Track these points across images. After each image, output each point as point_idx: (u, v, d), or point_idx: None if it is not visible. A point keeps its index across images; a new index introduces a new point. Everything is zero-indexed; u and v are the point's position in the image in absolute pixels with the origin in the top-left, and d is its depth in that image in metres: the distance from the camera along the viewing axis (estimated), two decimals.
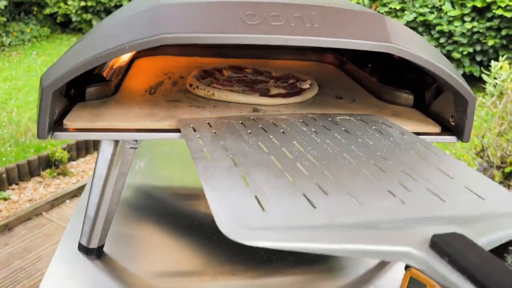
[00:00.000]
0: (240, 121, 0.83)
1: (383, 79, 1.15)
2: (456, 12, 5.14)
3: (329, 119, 0.88)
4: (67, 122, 0.80)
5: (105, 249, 0.99)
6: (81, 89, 0.92)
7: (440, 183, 0.61)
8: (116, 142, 0.85)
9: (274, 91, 1.05)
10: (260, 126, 0.81)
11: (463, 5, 5.17)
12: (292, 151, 0.69)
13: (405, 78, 1.12)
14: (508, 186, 2.38)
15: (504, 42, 5.02)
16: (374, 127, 0.83)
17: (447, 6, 5.20)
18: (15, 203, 3.09)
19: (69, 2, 7.33)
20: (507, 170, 2.35)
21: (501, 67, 2.38)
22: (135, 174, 1.44)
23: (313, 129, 0.81)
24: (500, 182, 2.42)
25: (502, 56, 2.53)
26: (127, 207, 1.24)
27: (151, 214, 1.23)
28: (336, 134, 0.78)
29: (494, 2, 4.95)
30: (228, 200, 0.51)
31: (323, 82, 1.19)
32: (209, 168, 0.59)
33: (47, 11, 7.57)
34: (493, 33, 5.05)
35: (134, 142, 0.86)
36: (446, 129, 0.94)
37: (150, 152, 1.60)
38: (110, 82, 0.98)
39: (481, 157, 2.52)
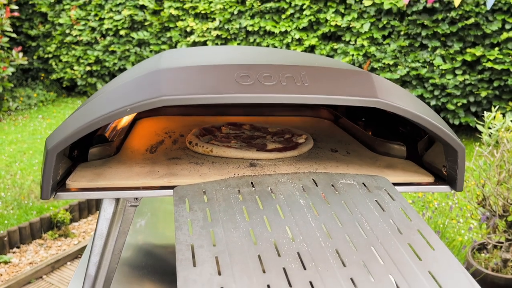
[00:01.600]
0: (237, 189, 0.83)
1: (376, 132, 1.19)
2: (447, 66, 5.32)
3: (331, 184, 0.87)
4: (70, 182, 0.83)
5: None
6: (84, 150, 0.95)
7: None
8: (117, 200, 0.88)
9: (270, 146, 1.08)
10: (257, 196, 0.81)
11: (453, 59, 5.35)
12: (282, 243, 0.69)
13: (398, 130, 1.16)
14: None
15: (497, 92, 5.15)
16: (375, 199, 0.82)
17: (438, 61, 5.39)
18: (16, 266, 3.04)
19: (75, 67, 7.62)
20: (510, 218, 2.34)
21: (494, 117, 2.44)
22: (136, 233, 1.45)
23: (311, 202, 0.80)
24: (504, 231, 2.39)
25: (495, 106, 2.59)
26: (128, 267, 1.23)
27: (153, 274, 1.22)
28: (333, 213, 0.78)
29: (484, 56, 5.13)
30: None
31: (318, 136, 1.23)
32: (189, 282, 0.60)
33: (54, 76, 7.85)
34: (485, 85, 5.19)
35: (135, 200, 0.88)
36: (440, 179, 0.96)
37: (151, 210, 1.61)
38: (112, 143, 1.02)
39: (483, 206, 2.50)
